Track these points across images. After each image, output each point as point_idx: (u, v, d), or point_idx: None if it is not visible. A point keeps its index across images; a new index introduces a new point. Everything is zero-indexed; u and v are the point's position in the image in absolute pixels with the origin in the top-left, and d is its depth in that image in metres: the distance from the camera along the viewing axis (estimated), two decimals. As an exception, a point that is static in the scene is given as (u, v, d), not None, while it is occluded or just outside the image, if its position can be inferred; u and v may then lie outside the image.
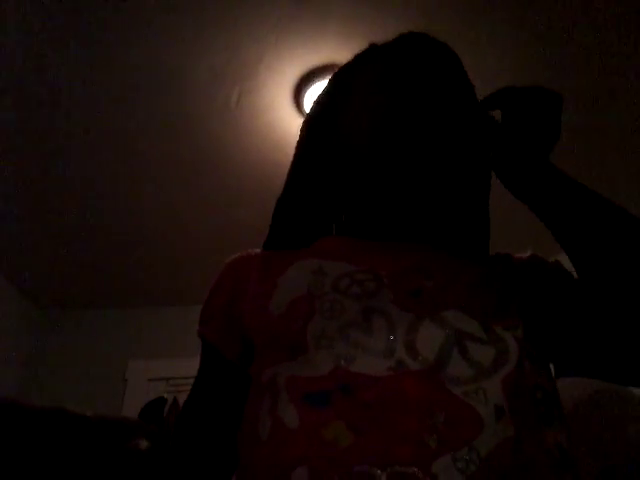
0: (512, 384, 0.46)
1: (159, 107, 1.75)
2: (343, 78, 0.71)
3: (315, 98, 0.72)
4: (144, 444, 0.58)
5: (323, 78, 1.65)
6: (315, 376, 0.47)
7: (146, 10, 1.48)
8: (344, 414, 0.44)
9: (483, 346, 0.49)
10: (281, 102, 1.75)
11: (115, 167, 1.97)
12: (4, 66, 1.59)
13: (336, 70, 0.73)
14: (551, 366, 0.56)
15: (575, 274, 0.57)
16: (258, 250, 0.66)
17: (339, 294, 0.53)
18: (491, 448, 0.42)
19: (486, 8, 1.48)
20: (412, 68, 0.62)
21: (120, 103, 1.74)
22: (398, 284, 0.54)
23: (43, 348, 2.70)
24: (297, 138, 0.71)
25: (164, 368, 2.56)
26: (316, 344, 0.49)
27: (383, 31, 0.70)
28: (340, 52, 1.58)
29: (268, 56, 1.61)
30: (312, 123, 0.70)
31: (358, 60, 0.71)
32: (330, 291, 0.54)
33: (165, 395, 2.50)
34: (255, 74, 1.66)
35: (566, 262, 0.59)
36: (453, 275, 0.57)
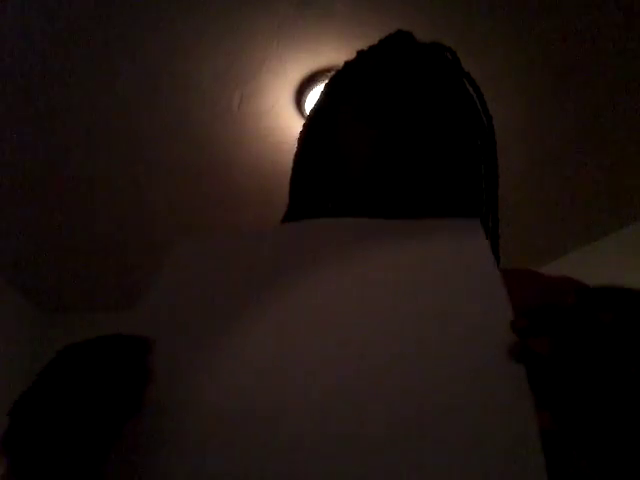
0: None
1: (162, 111, 1.76)
2: (332, 99, 0.69)
3: (310, 111, 0.70)
4: None
5: (324, 81, 1.65)
6: None
7: (149, 15, 1.48)
8: None
9: None
10: (283, 105, 1.75)
11: (117, 170, 1.98)
12: (7, 71, 1.60)
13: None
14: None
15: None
16: None
17: None
18: None
19: (489, 8, 1.48)
20: (401, 88, 0.60)
21: (123, 107, 1.74)
22: None
23: (44, 351, 2.70)
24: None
25: (166, 371, 2.55)
26: None
27: (384, 34, 0.70)
28: (341, 55, 1.57)
29: (270, 60, 1.62)
30: (308, 141, 0.68)
31: (346, 76, 0.69)
32: None
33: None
34: (257, 77, 1.67)
35: (559, 267, 0.57)
36: None
